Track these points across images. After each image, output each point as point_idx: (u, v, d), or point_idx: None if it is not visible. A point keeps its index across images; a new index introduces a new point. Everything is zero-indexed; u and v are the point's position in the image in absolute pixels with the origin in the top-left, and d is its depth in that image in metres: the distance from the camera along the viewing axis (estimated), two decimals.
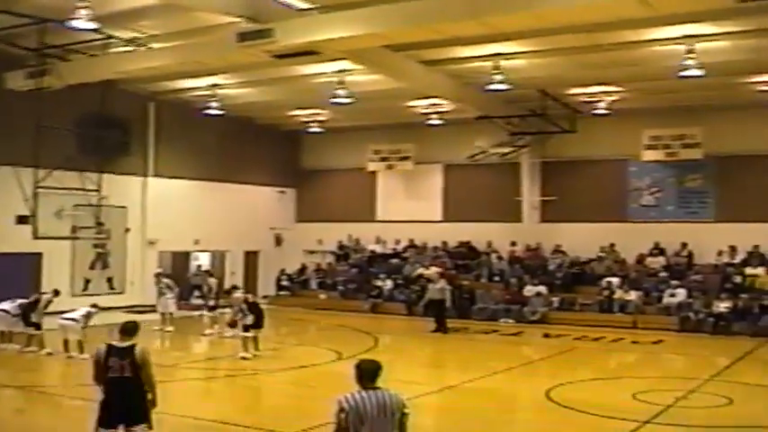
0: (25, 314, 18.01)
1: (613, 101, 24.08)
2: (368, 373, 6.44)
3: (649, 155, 26.00)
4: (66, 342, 17.04)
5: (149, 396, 8.24)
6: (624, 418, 11.54)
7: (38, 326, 17.92)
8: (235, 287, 21.55)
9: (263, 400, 14.49)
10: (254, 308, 18.02)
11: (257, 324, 17.77)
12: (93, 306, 17.71)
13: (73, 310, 17.42)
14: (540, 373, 16.70)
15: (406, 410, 6.39)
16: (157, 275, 23.45)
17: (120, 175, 25.88)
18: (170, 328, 21.82)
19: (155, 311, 22.78)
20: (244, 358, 17.09)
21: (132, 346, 8.23)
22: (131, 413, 8.09)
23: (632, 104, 24.68)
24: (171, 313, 22.21)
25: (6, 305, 18.16)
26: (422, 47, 20.03)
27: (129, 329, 8.33)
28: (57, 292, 18.92)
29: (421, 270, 27.34)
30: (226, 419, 11.63)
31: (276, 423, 11.48)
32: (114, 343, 8.22)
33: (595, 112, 24.63)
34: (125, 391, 8.09)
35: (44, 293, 18.77)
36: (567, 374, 15.51)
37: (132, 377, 8.14)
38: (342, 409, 6.22)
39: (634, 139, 25.85)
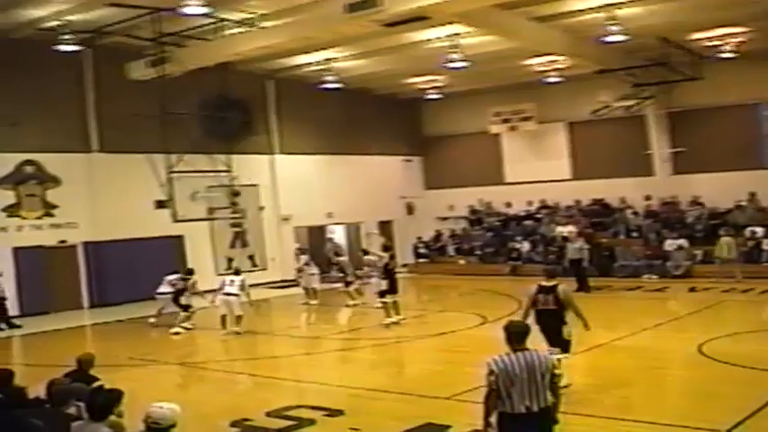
0: (176, 297, 19.12)
1: (739, 42, 22.67)
2: (516, 335, 6.48)
3: None
4: (223, 318, 17.76)
5: (582, 322, 10.80)
6: None
7: (187, 307, 18.96)
8: (365, 251, 22.01)
9: (411, 366, 14.61)
10: (388, 273, 17.84)
11: (392, 289, 17.64)
12: (236, 273, 18.57)
13: (228, 284, 18.01)
14: (690, 329, 16.12)
15: (556, 371, 6.50)
16: (298, 251, 23.96)
17: (247, 155, 26.53)
18: (314, 302, 22.11)
19: (297, 286, 23.30)
20: (389, 324, 17.16)
21: (555, 286, 10.83)
22: (551, 338, 10.49)
23: (760, 45, 23.10)
24: (314, 288, 22.47)
25: (164, 287, 19.24)
26: (532, 3, 19.59)
27: (550, 271, 11.21)
28: (190, 272, 19.90)
29: (560, 229, 27.08)
30: (376, 387, 11.97)
31: (427, 389, 11.58)
32: (543, 283, 10.86)
33: (721, 55, 23.28)
34: (548, 319, 10.55)
35: (187, 278, 19.59)
36: (719, 328, 14.92)
37: (555, 309, 10.69)
38: (491, 372, 6.29)
39: (764, 81, 24.36)
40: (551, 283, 10.91)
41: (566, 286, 11.16)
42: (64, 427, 2.65)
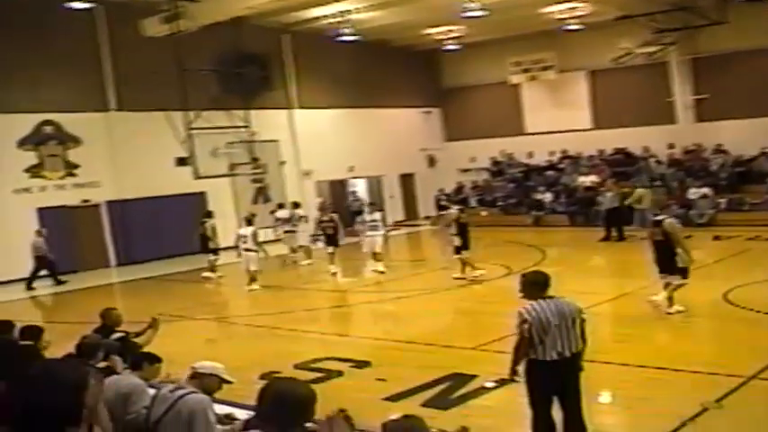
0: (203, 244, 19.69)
1: None
2: (539, 285, 6.61)
3: None
4: (251, 272, 17.87)
5: (680, 251, 11.80)
6: None
7: (215, 251, 19.44)
8: (444, 206, 21.95)
9: (437, 318, 14.38)
10: (462, 228, 17.29)
11: (464, 245, 17.08)
12: (248, 221, 18.60)
13: (242, 239, 18.15)
14: (716, 276, 15.98)
15: (583, 316, 6.59)
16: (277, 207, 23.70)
17: (265, 110, 26.39)
18: (309, 261, 21.69)
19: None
20: (473, 278, 16.81)
21: (662, 220, 11.99)
22: (665, 266, 11.83)
23: None
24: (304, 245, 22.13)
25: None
26: None
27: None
28: (208, 213, 20.56)
29: (582, 179, 26.95)
30: (403, 338, 12.08)
31: (453, 339, 11.69)
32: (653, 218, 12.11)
33: None
34: (660, 250, 11.90)
35: (204, 221, 20.02)
36: (744, 276, 14.82)
37: (663, 240, 11.85)
38: (524, 321, 6.39)
39: None
40: (659, 218, 12.21)
41: (672, 220, 12.35)
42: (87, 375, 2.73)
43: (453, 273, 17.14)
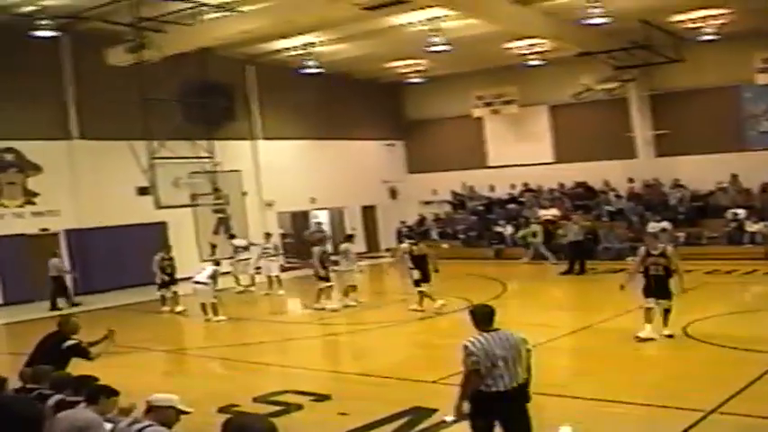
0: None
1: (721, 24, 22.65)
2: (484, 316, 6.68)
3: (764, 78, 24.46)
4: (203, 306, 17.77)
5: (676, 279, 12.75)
6: None
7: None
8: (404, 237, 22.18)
9: (397, 351, 14.37)
10: (418, 261, 17.23)
11: (424, 278, 17.05)
12: (216, 263, 18.48)
13: (200, 273, 18.09)
14: (675, 310, 16.21)
15: (528, 347, 6.63)
16: (266, 236, 23.42)
17: (229, 141, 26.42)
18: (281, 292, 21.75)
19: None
20: (415, 310, 16.86)
21: (665, 247, 13.13)
22: (661, 292, 12.60)
23: (741, 27, 23.01)
24: (277, 276, 22.18)
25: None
26: None
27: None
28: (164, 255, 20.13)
29: (542, 212, 27.23)
30: (362, 371, 12.05)
31: (413, 373, 11.65)
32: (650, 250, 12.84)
33: (702, 38, 23.30)
34: (658, 277, 12.59)
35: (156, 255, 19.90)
36: (703, 309, 15.02)
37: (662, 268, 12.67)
38: (471, 353, 6.44)
39: (746, 63, 24.41)
40: (659, 251, 13.00)
41: (671, 248, 13.53)
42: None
43: (410, 305, 17.12)
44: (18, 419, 2.85)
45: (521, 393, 6.54)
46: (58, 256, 21.76)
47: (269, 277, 22.03)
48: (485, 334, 6.53)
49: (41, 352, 9.08)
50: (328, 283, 18.41)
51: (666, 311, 12.66)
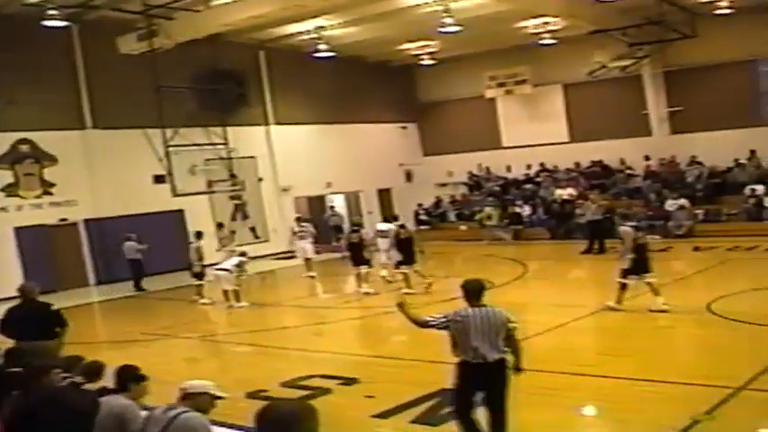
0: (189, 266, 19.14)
1: None
2: (472, 292, 7.14)
3: None
4: (225, 292, 17.77)
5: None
6: None
7: (200, 275, 18.91)
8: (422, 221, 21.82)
9: (422, 333, 14.17)
10: (402, 243, 17.69)
11: (406, 260, 17.49)
12: (243, 254, 18.45)
13: (226, 261, 18.20)
14: (698, 287, 16.18)
15: (510, 324, 7.03)
16: (297, 220, 23.60)
17: (243, 127, 26.42)
18: (312, 273, 21.68)
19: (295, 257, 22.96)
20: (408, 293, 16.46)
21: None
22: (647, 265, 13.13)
23: (756, 0, 22.93)
24: (308, 258, 22.01)
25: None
26: None
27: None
28: (198, 234, 19.81)
29: (559, 192, 27.17)
30: (389, 354, 12.18)
31: (439, 355, 11.35)
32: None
33: (716, 12, 23.08)
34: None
35: (191, 242, 19.70)
36: (726, 286, 14.92)
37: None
38: (445, 316, 7.13)
39: (762, 36, 24.08)
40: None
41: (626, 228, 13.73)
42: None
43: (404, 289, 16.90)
44: (71, 411, 2.84)
45: (498, 368, 6.92)
46: (132, 239, 21.49)
47: (306, 260, 21.89)
48: (470, 308, 7.02)
49: None
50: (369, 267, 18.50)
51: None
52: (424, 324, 7.34)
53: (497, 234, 26.95)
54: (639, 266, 13.17)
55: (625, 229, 13.66)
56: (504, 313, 7.03)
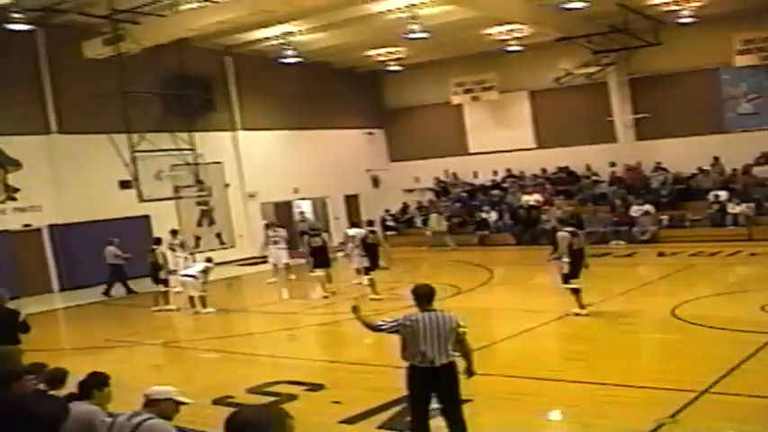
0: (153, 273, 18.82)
1: (698, 6, 22.73)
2: (423, 296, 7.23)
3: (742, 60, 24.67)
4: (191, 299, 17.66)
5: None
6: (756, 331, 11.26)
7: (165, 282, 18.74)
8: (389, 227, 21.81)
9: (389, 339, 14.20)
10: (369, 249, 17.79)
11: (372, 266, 17.62)
12: (209, 260, 18.34)
13: (191, 267, 18.16)
14: (661, 293, 16.34)
15: (460, 329, 7.12)
16: (267, 226, 23.56)
17: (209, 132, 26.28)
18: (291, 276, 21.81)
19: (266, 263, 22.83)
20: (374, 299, 16.89)
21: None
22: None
23: (719, 9, 23.19)
24: (286, 263, 22.04)
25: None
26: None
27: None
28: (157, 240, 19.73)
29: (526, 198, 27.31)
30: (355, 360, 12.13)
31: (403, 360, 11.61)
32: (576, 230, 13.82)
33: (679, 20, 23.32)
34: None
35: (153, 248, 19.29)
36: (689, 291, 15.19)
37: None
38: (396, 320, 7.17)
39: (724, 44, 24.55)
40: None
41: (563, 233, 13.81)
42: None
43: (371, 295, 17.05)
44: (38, 419, 2.82)
45: (448, 372, 6.99)
46: (114, 244, 21.24)
47: (275, 266, 21.92)
48: (420, 313, 7.08)
49: None
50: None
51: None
52: (375, 328, 7.37)
53: (444, 240, 27.14)
54: (574, 270, 13.40)
55: (561, 234, 13.81)
56: (455, 318, 7.10)
